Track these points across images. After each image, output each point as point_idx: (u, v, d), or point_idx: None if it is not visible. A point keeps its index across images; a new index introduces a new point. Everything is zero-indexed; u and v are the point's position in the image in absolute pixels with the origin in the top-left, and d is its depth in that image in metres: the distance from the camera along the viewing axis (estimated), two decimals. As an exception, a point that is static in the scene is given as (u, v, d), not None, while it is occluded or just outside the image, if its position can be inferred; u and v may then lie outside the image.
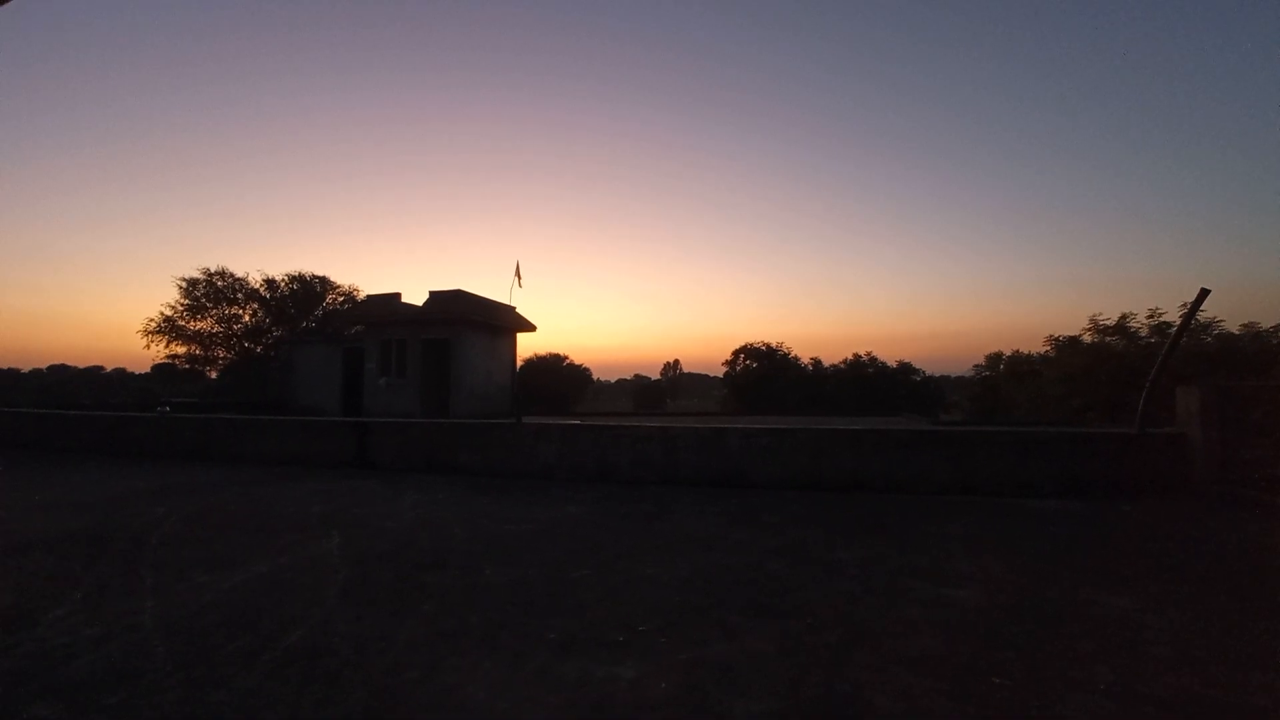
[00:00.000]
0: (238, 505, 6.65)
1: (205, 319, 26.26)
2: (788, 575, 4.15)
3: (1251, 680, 2.64)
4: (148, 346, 25.80)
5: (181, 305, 25.85)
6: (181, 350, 26.17)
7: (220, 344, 26.54)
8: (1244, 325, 14.65)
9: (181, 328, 25.80)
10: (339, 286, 28.81)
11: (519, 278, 19.52)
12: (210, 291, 26.25)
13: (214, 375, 27.84)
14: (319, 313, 27.90)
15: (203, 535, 5.28)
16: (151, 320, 25.65)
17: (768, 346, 35.55)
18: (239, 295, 26.77)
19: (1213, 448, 6.69)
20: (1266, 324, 14.46)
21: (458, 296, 18.59)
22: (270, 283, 27.35)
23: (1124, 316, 15.70)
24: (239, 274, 27.01)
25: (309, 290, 27.92)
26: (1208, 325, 14.52)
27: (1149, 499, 6.68)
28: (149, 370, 34.06)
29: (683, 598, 3.70)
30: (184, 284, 25.98)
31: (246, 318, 26.98)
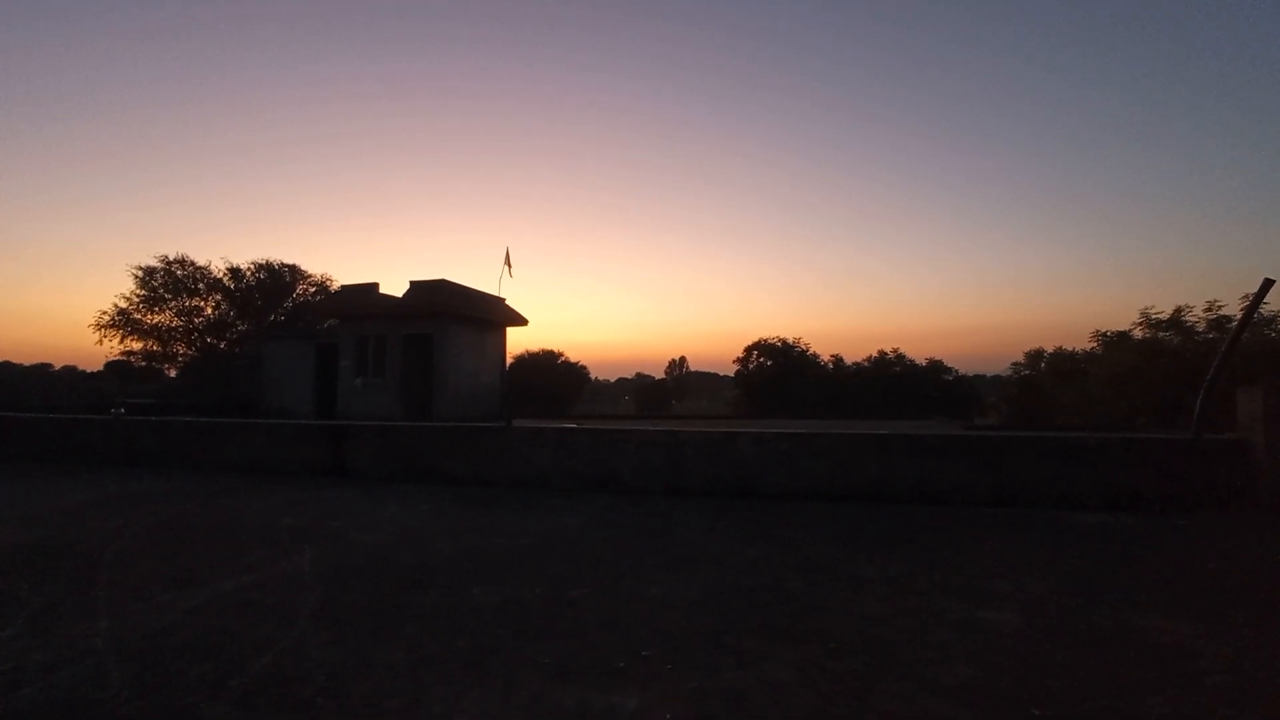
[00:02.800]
0: (201, 517, 6.67)
1: (163, 312, 26.32)
2: (808, 595, 4.16)
3: (1321, 713, 2.64)
4: (100, 342, 25.89)
5: (137, 297, 25.91)
6: (137, 346, 26.25)
7: (180, 339, 26.62)
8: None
9: (137, 321, 25.87)
10: (310, 276, 28.90)
11: (509, 267, 19.57)
12: (169, 282, 26.30)
13: (173, 373, 27.95)
14: (289, 305, 27.98)
15: (163, 550, 5.30)
16: (104, 313, 25.71)
17: (784, 343, 35.55)
18: (200, 286, 26.83)
19: (1278, 455, 6.66)
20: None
21: (441, 287, 18.60)
22: (235, 272, 27.41)
23: (1179, 310, 15.65)
24: (200, 262, 27.07)
25: (278, 280, 27.99)
26: (1273, 319, 14.46)
27: (1206, 512, 6.67)
28: (102, 368, 34.32)
29: (691, 620, 3.70)
30: (140, 274, 26.04)
31: (209, 310, 27.05)
